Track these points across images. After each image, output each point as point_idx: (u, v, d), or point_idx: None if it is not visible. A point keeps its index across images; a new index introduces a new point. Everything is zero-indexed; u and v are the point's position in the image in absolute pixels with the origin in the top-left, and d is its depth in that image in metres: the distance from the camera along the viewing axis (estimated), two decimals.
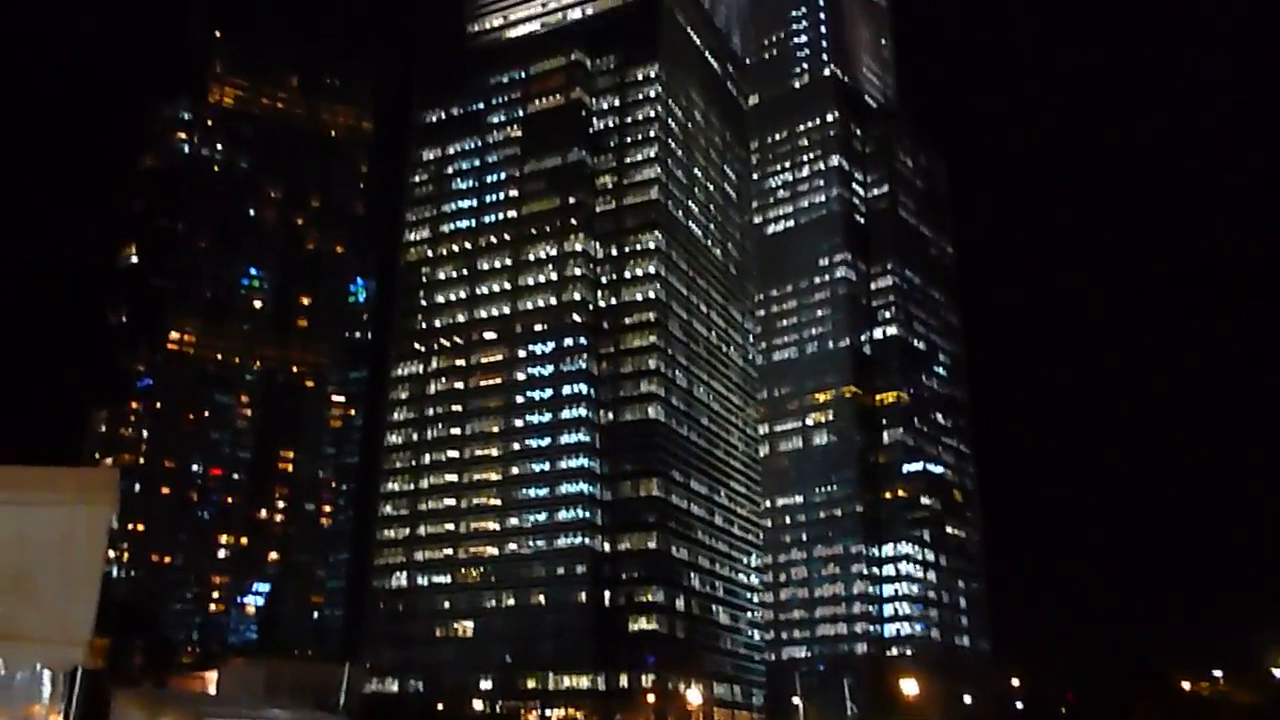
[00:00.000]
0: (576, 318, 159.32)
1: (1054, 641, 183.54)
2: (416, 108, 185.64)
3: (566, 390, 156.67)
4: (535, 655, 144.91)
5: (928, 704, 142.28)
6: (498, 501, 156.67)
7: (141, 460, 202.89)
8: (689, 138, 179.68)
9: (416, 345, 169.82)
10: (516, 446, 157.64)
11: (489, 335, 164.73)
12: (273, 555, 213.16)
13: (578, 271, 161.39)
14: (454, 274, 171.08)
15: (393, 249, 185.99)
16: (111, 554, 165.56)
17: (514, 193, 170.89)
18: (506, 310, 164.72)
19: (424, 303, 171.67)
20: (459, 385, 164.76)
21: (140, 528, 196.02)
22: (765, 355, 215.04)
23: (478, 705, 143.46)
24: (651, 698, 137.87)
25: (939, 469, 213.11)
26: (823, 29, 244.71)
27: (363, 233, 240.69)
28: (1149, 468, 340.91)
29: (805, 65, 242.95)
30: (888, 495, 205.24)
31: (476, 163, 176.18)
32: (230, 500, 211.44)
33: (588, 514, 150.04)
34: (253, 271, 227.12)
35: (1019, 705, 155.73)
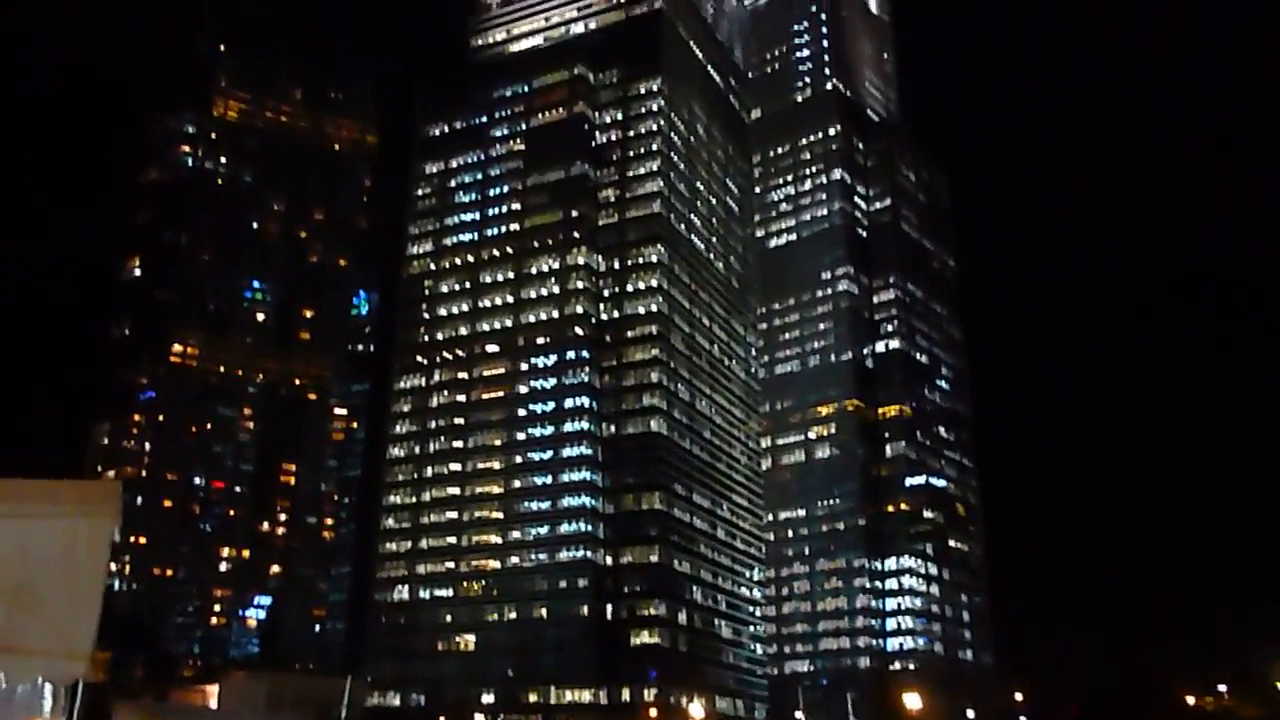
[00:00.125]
0: (579, 331, 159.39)
1: (1057, 656, 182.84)
2: (419, 121, 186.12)
3: (569, 403, 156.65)
4: (537, 669, 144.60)
5: (931, 718, 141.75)
6: (500, 515, 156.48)
7: (143, 473, 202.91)
8: (691, 151, 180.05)
9: (419, 358, 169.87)
10: (518, 460, 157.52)
11: (491, 348, 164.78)
12: (274, 568, 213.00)
13: (580, 285, 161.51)
14: (456, 287, 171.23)
15: (395, 262, 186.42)
16: (113, 567, 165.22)
17: (516, 206, 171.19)
18: (509, 323, 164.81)
19: (426, 316, 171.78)
20: (461, 398, 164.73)
21: (142, 540, 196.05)
22: (767, 368, 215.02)
23: (479, 719, 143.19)
24: (653, 712, 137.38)
25: (941, 482, 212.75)
26: (824, 43, 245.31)
27: (365, 246, 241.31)
28: (1152, 481, 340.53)
29: (807, 79, 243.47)
30: (890, 509, 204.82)
31: (479, 176, 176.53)
32: (232, 513, 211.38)
33: (590, 527, 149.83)
34: (256, 284, 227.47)
35: None
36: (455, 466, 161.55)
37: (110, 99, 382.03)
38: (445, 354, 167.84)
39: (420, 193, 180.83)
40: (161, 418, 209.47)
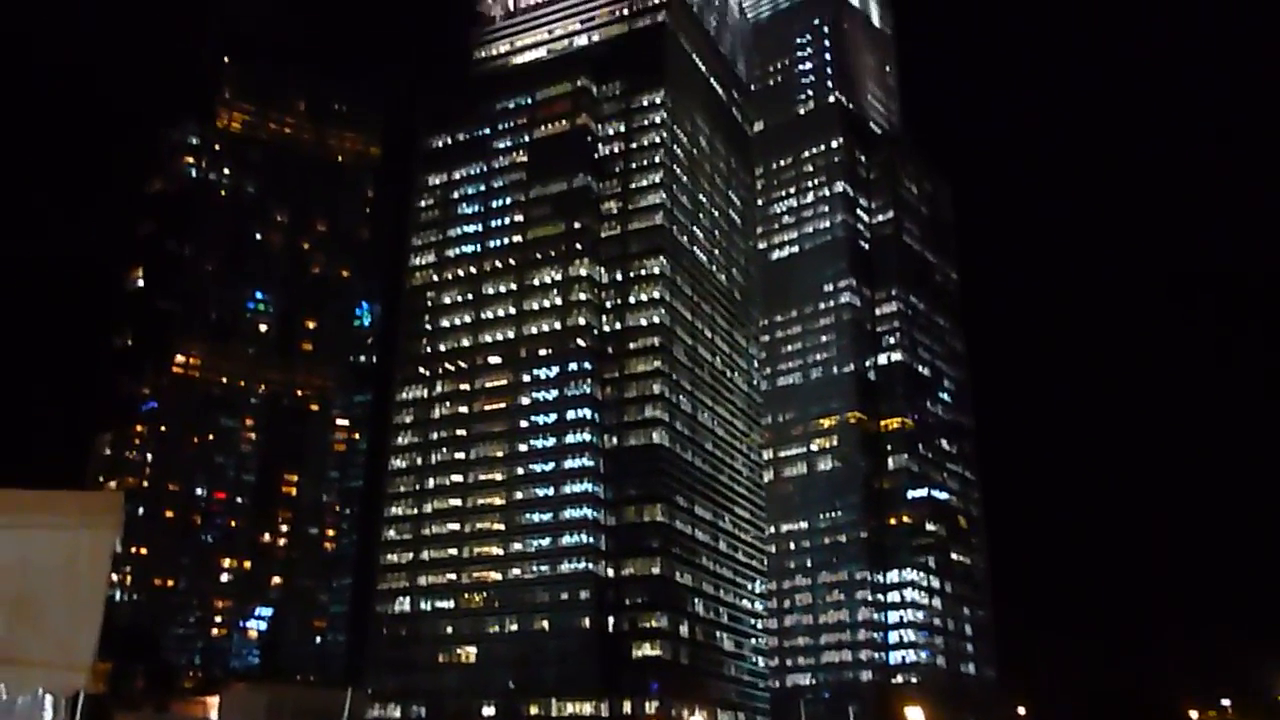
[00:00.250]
0: (581, 342, 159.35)
1: (1060, 669, 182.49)
2: (423, 133, 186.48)
3: (571, 415, 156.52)
4: (538, 681, 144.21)
5: None
6: (501, 526, 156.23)
7: (145, 483, 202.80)
8: (694, 163, 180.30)
9: (421, 369, 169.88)
10: (520, 471, 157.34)
11: (493, 360, 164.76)
12: (275, 579, 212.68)
13: (582, 296, 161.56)
14: (459, 298, 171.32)
15: (398, 273, 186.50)
16: (114, 577, 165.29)
17: (519, 217, 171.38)
18: (511, 335, 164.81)
19: (429, 327, 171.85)
20: (463, 409, 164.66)
21: (143, 551, 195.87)
22: (770, 380, 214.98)
23: None
24: None
25: (944, 495, 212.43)
26: (827, 56, 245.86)
27: (368, 257, 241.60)
28: (1156, 493, 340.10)
29: (810, 92, 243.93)
30: (892, 521, 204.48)
31: (482, 188, 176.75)
32: (233, 524, 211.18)
33: (592, 539, 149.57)
34: (258, 295, 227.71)
35: None
36: (457, 478, 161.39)
37: (115, 110, 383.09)
38: (447, 365, 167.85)
39: (423, 204, 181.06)
40: (163, 428, 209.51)
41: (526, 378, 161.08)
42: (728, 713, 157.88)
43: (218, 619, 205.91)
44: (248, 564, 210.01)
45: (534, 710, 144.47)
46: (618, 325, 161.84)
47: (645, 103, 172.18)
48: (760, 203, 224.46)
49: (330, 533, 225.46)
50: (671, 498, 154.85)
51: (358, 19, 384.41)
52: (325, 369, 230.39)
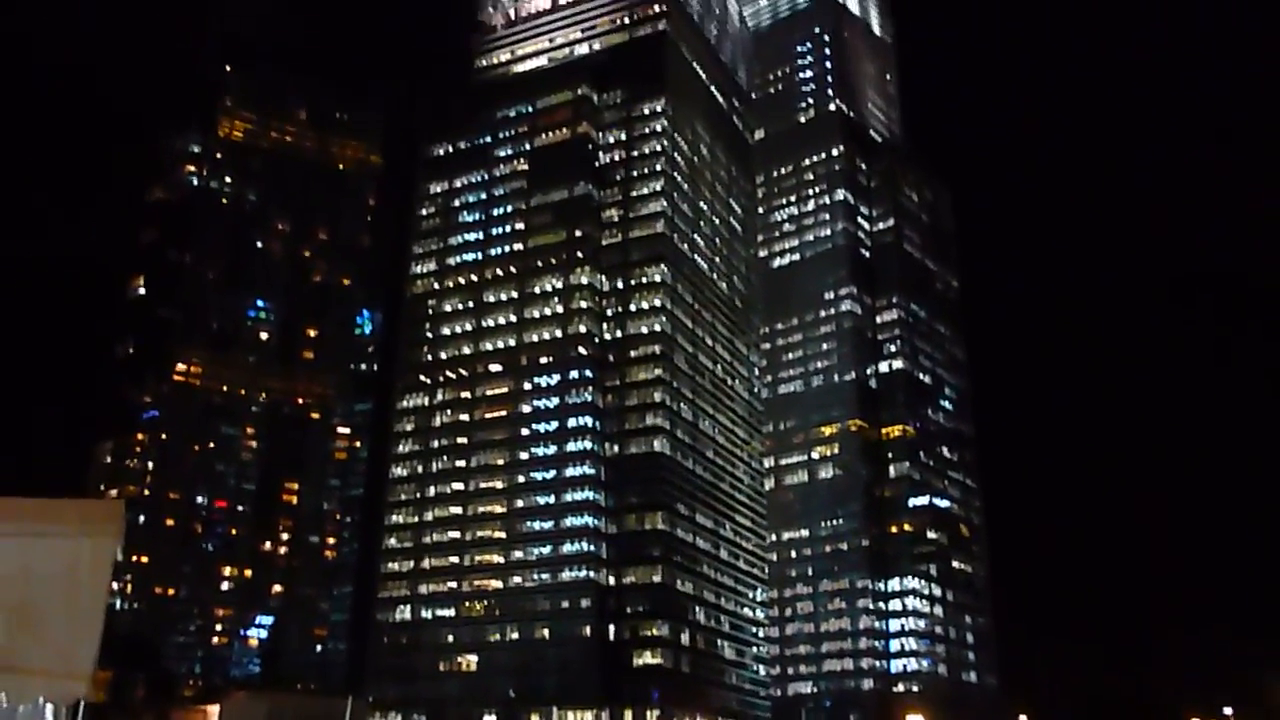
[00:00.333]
0: (582, 350, 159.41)
1: (1062, 677, 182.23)
2: (424, 141, 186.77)
3: (572, 423, 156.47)
4: (539, 689, 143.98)
5: None
6: (502, 534, 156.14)
7: (146, 492, 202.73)
8: (695, 172, 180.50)
9: (422, 377, 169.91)
10: (521, 479, 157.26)
11: (494, 368, 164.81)
12: (276, 588, 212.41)
13: (583, 304, 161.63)
14: (460, 306, 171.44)
15: (399, 281, 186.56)
16: (114, 586, 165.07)
17: (520, 226, 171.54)
18: (512, 343, 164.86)
19: (430, 335, 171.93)
20: (464, 418, 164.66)
21: (144, 559, 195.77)
22: (771, 388, 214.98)
23: None
24: None
25: (945, 503, 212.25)
26: (827, 64, 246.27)
27: (369, 265, 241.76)
28: (1158, 500, 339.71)
29: (810, 100, 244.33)
30: (894, 529, 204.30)
31: (483, 196, 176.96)
32: (234, 532, 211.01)
33: (592, 547, 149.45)
34: (259, 303, 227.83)
35: None
36: (458, 486, 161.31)
37: (116, 118, 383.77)
38: (448, 373, 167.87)
39: (424, 212, 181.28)
40: (164, 436, 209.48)
41: (527, 385, 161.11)
42: None
43: (218, 627, 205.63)
44: (248, 572, 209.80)
45: (535, 718, 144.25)
46: (619, 333, 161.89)
47: (646, 111, 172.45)
48: (761, 211, 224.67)
49: (331, 541, 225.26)
50: (672, 505, 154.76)
51: (359, 28, 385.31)
52: (326, 377, 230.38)
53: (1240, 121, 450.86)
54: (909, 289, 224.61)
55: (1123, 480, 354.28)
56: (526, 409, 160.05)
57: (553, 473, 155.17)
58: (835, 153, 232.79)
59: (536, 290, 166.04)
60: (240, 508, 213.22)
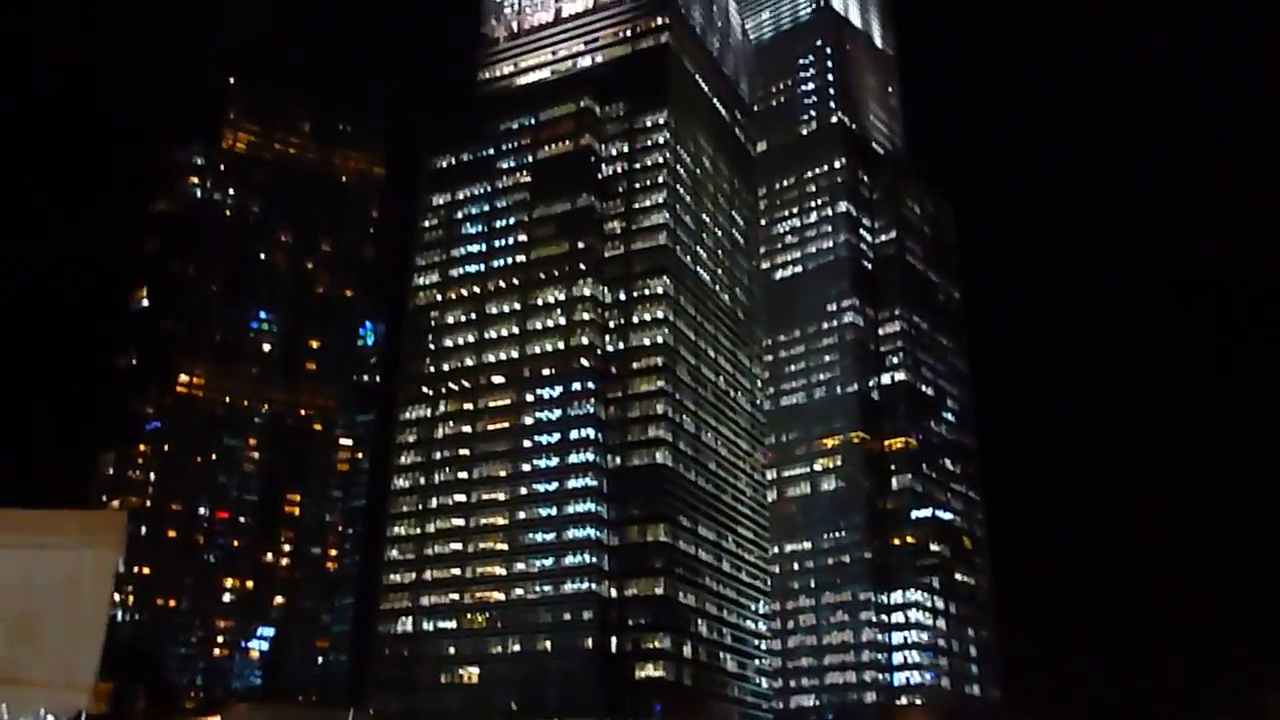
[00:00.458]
0: (585, 362, 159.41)
1: (1065, 690, 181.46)
2: (427, 153, 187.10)
3: (574, 435, 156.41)
4: (541, 702, 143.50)
5: None
6: (504, 546, 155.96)
7: (148, 503, 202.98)
8: (697, 184, 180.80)
9: (424, 389, 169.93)
10: (524, 491, 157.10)
11: (497, 379, 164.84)
12: (278, 599, 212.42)
13: (586, 316, 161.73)
14: (463, 318, 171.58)
15: (402, 293, 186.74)
16: (116, 597, 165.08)
17: (523, 237, 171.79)
18: (515, 354, 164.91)
19: (432, 346, 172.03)
20: (467, 429, 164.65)
21: (145, 570, 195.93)
22: (773, 400, 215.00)
23: None
24: None
25: (948, 515, 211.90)
26: (829, 77, 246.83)
27: (372, 277, 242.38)
28: (1161, 512, 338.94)
29: (813, 112, 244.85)
30: (896, 542, 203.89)
31: (486, 208, 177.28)
32: (236, 543, 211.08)
33: (595, 559, 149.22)
34: (262, 315, 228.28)
35: None
36: (460, 498, 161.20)
37: (120, 130, 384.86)
38: (451, 385, 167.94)
39: (427, 224, 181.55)
40: (167, 448, 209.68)
41: (530, 397, 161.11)
42: None
43: (220, 639, 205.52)
44: (250, 584, 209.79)
45: None
46: (621, 345, 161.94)
47: (648, 123, 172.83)
48: (763, 223, 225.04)
49: (333, 552, 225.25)
50: (675, 518, 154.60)
51: (362, 40, 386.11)
52: (329, 388, 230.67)
53: (1241, 131, 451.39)
54: (911, 301, 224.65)
55: (1126, 492, 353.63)
56: (529, 421, 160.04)
57: (555, 485, 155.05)
58: (837, 165, 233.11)
59: (539, 302, 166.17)
60: (242, 519, 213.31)
